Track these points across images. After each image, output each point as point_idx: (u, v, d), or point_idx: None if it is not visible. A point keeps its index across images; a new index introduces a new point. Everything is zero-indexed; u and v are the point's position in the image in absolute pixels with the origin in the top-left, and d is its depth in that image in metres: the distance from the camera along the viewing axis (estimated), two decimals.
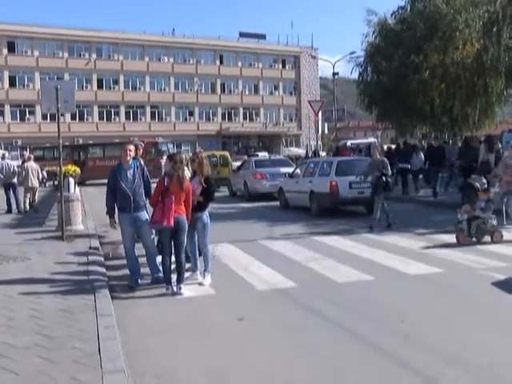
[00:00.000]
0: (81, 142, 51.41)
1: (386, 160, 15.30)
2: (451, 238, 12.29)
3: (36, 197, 20.23)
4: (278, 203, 20.82)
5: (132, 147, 9.29)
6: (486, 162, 18.35)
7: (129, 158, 9.11)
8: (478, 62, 32.11)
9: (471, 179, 13.55)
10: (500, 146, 25.20)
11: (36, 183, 19.53)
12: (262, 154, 46.40)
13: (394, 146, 33.69)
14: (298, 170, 20.45)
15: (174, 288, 8.57)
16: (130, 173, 9.07)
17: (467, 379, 5.20)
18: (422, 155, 23.54)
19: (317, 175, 18.30)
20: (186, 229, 8.82)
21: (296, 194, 19.20)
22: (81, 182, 36.51)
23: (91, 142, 47.95)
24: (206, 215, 9.37)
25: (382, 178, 14.38)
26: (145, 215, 9.19)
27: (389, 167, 15.01)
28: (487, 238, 11.86)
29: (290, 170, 22.41)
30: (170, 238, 8.72)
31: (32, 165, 19.64)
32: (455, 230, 12.24)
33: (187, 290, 8.63)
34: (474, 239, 11.92)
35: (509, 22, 29.17)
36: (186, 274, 9.07)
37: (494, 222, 12.06)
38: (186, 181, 8.78)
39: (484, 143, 19.28)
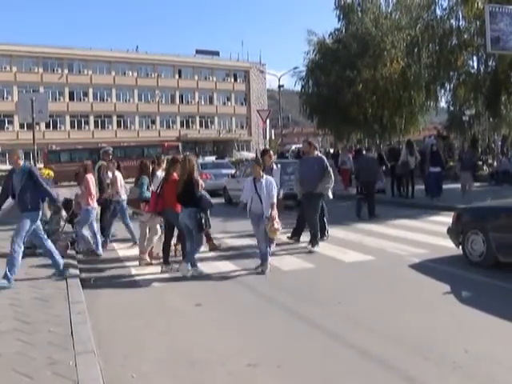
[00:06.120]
0: (54, 147, 50.40)
1: None
2: (376, 228, 12.56)
3: None
4: (221, 199, 20.60)
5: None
6: (405, 163, 18.80)
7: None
8: (403, 77, 32.83)
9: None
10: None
11: None
12: (209, 158, 45.27)
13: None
14: (239, 172, 20.57)
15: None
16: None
17: (394, 344, 5.39)
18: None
19: None
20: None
21: (238, 192, 19.25)
22: None
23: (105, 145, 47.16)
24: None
25: None
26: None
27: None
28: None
29: (230, 171, 22.65)
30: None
31: None
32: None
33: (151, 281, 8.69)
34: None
35: (427, 45, 30.05)
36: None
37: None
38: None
39: (406, 147, 19.69)
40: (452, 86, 32.22)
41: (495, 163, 27.19)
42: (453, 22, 29.74)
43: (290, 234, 11.81)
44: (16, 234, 8.13)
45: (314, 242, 10.72)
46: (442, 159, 19.76)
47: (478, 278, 8.13)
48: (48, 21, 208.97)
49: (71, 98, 69.07)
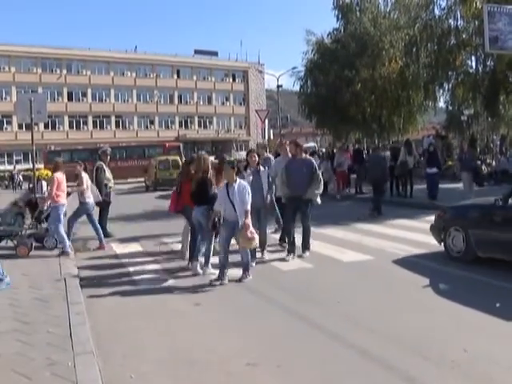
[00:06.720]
0: (53, 148, 50.38)
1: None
2: (375, 228, 12.56)
3: None
4: None
5: None
6: (404, 163, 18.81)
7: None
8: (402, 76, 32.77)
9: None
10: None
11: None
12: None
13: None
14: None
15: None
16: None
17: (394, 344, 5.39)
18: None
19: None
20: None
21: None
22: None
23: (105, 145, 47.32)
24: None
25: None
26: None
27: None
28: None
29: None
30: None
31: None
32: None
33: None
34: None
35: (425, 44, 30.00)
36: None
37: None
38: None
39: (404, 147, 19.67)
40: (450, 85, 32.17)
41: (494, 163, 27.21)
42: (451, 21, 29.68)
43: (279, 240, 11.46)
44: None
45: (305, 249, 10.37)
46: (440, 160, 19.71)
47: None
48: (47, 21, 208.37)
49: (70, 98, 69.05)
